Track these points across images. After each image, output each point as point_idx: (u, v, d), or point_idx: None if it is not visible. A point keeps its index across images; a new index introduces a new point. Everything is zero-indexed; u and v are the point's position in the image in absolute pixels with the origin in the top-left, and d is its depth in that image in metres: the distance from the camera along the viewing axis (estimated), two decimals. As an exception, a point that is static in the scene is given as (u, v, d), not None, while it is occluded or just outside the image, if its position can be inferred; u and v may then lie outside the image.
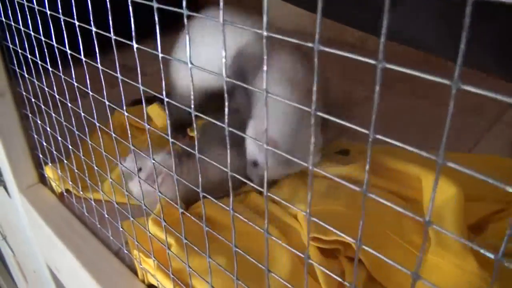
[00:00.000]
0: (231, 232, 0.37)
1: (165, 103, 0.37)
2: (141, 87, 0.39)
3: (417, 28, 0.55)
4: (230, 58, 0.74)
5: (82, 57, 0.48)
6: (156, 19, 0.33)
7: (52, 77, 0.61)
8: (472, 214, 0.61)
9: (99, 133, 0.55)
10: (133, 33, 0.35)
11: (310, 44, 0.22)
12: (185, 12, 0.31)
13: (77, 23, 0.45)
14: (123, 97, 0.45)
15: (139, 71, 0.38)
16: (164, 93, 0.37)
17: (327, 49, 0.22)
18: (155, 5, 0.33)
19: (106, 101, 0.48)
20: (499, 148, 0.84)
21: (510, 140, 0.89)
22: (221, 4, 0.27)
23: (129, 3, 0.35)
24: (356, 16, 0.64)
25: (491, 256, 0.21)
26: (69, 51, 0.51)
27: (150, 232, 0.55)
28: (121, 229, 0.61)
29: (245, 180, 0.36)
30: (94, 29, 0.41)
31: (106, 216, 0.64)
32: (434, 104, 0.92)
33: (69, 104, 0.60)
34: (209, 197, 0.39)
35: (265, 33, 0.25)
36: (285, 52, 0.70)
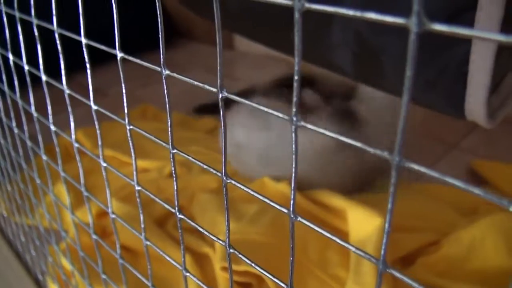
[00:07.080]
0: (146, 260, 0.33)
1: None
2: (93, 107, 0.35)
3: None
4: None
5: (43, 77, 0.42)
6: (86, 56, 0.30)
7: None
8: (402, 246, 0.58)
9: (32, 157, 0.50)
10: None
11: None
12: (119, 54, 0.26)
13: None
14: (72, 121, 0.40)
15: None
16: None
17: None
18: (84, 40, 0.30)
19: (50, 124, 0.43)
20: (454, 176, 0.81)
21: (466, 167, 0.86)
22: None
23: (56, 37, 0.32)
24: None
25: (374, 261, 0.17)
26: (27, 68, 0.45)
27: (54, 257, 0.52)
28: (33, 253, 0.59)
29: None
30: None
31: (22, 240, 0.61)
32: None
33: (14, 126, 0.54)
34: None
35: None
36: None
